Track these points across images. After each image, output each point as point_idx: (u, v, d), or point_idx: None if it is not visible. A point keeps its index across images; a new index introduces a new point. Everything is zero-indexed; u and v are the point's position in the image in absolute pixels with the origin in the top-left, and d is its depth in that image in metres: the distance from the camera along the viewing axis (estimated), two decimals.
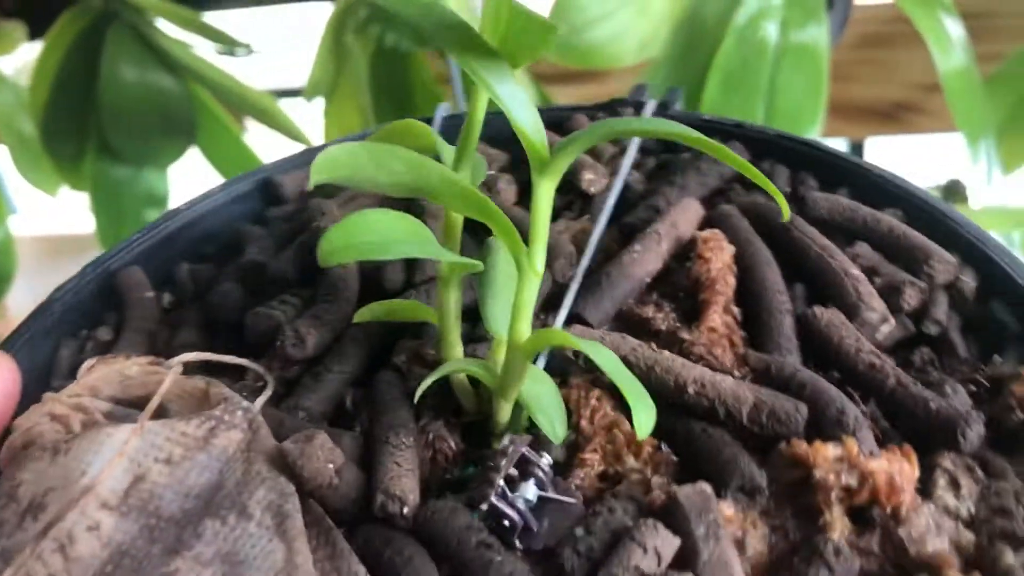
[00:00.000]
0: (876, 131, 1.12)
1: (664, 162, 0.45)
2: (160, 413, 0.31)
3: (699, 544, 0.26)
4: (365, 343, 0.34)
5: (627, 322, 0.36)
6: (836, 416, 0.30)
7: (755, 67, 0.72)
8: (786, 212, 0.29)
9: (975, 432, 0.29)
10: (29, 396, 0.32)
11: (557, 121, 0.46)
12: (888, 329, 0.35)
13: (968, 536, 0.28)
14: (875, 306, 0.35)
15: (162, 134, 1.02)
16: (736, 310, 0.36)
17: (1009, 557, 0.27)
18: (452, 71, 0.86)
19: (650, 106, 0.46)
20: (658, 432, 0.31)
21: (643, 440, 0.31)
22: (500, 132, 0.35)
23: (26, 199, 1.37)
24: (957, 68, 0.75)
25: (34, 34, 1.10)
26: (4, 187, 1.32)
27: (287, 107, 1.05)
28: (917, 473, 0.29)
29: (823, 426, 0.30)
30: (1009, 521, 0.28)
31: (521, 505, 0.28)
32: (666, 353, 0.33)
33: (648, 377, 0.31)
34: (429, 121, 0.46)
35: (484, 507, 0.27)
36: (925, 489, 0.29)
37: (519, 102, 0.26)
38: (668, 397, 0.31)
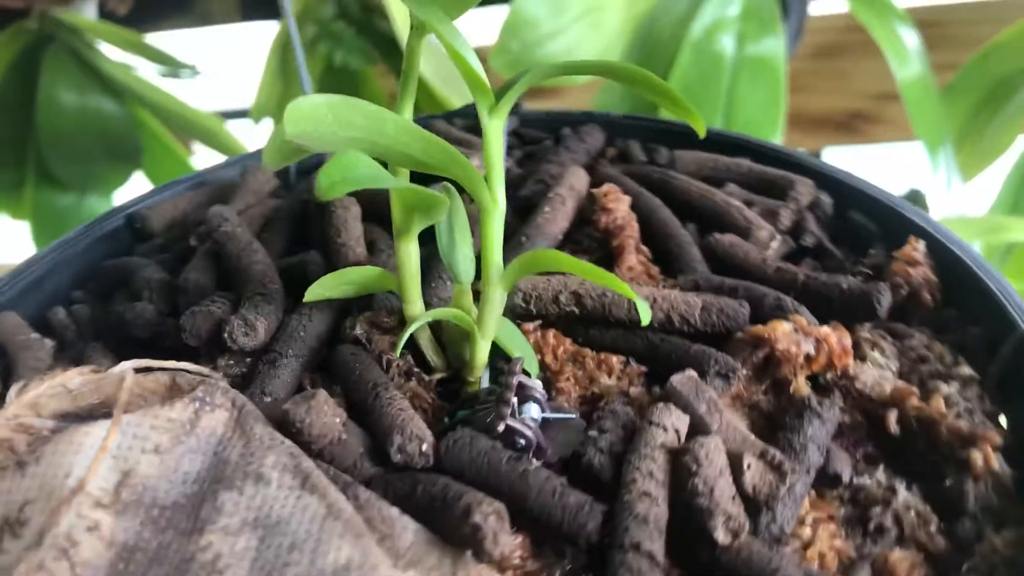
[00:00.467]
0: (832, 141, 1.12)
1: (530, 152, 0.48)
2: None
3: (705, 418, 0.28)
4: (314, 325, 0.33)
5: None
6: (775, 303, 0.33)
7: (712, 81, 0.71)
8: (701, 129, 0.32)
9: (887, 299, 0.34)
10: None
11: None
12: (776, 245, 0.39)
13: (902, 384, 0.32)
14: (763, 225, 0.39)
15: (105, 159, 0.96)
16: (646, 249, 0.39)
17: (944, 388, 0.32)
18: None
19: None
20: (622, 351, 0.33)
21: (610, 358, 0.33)
22: None
23: None
24: (915, 77, 0.75)
25: None
26: None
27: (234, 128, 1.01)
28: (850, 340, 0.33)
29: (765, 318, 0.33)
30: (929, 365, 0.33)
31: (531, 424, 0.29)
32: None
33: (602, 303, 0.33)
34: None
35: (500, 428, 0.28)
36: (857, 354, 0.33)
37: (462, 43, 0.28)
38: (623, 317, 0.33)
